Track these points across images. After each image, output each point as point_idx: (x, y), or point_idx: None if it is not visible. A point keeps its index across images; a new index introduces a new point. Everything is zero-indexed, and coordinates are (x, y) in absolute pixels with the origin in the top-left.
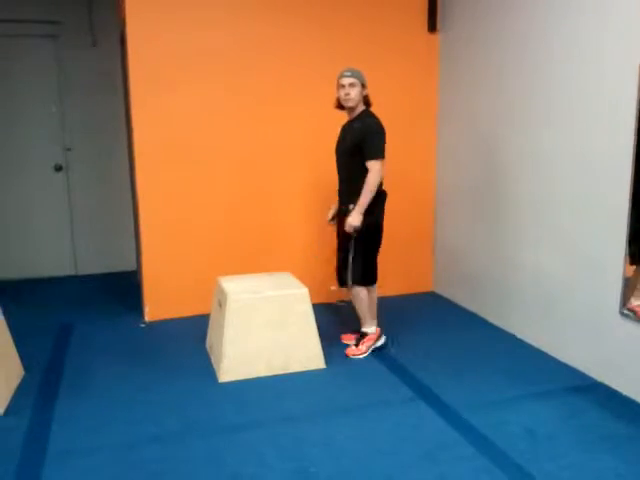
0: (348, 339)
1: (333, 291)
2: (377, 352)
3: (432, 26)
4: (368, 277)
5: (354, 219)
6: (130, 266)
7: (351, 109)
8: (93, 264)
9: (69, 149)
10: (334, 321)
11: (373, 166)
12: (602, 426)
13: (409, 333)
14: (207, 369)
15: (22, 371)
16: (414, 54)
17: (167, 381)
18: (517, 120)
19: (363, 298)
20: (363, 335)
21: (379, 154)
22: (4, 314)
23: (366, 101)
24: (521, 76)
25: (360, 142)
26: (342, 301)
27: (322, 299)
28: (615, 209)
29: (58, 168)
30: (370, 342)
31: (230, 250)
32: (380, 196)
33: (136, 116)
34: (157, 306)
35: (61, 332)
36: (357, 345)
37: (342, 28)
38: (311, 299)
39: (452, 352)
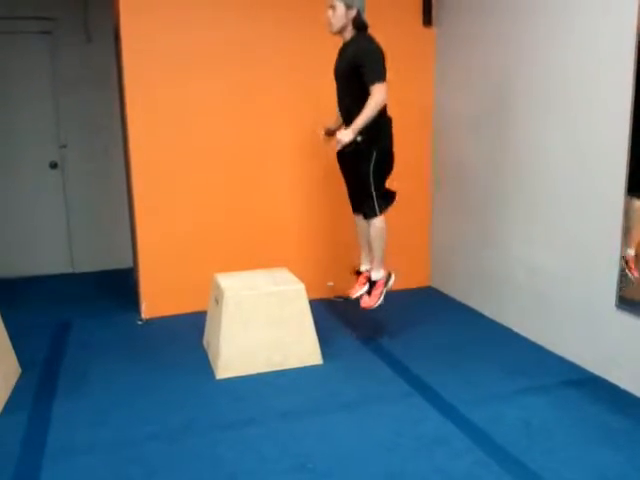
0: (356, 290)
1: (330, 287)
2: (375, 345)
3: (427, 20)
4: (389, 200)
5: (345, 135)
6: (127, 263)
7: (341, 35)
8: (90, 262)
9: (64, 146)
10: (331, 317)
11: (375, 89)
12: (599, 420)
13: (406, 328)
14: (204, 366)
15: (19, 369)
16: (409, 48)
17: (164, 378)
18: (512, 115)
19: (384, 229)
20: (373, 283)
21: (380, 77)
22: (1, 312)
23: (357, 24)
24: (517, 70)
25: (357, 67)
26: (339, 297)
27: (319, 295)
28: (610, 203)
29: (53, 165)
30: (381, 288)
31: (226, 246)
32: (386, 122)
33: (131, 113)
34: (154, 303)
35: (58, 330)
36: (369, 294)
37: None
38: (308, 295)
39: (449, 346)
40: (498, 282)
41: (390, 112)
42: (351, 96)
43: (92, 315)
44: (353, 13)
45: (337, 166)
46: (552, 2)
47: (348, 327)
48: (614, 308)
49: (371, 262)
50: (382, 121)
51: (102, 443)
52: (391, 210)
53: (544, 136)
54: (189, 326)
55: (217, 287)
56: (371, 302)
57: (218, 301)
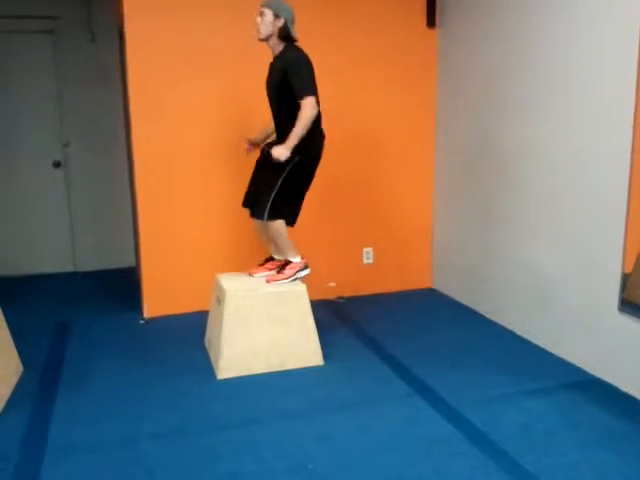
0: (259, 271)
1: (332, 287)
2: (376, 346)
3: (431, 21)
4: (289, 217)
5: (281, 153)
6: (129, 263)
7: (268, 43)
8: (92, 261)
9: (67, 145)
10: (332, 318)
11: (305, 103)
12: (600, 422)
13: (408, 329)
14: (205, 366)
15: (21, 368)
16: (413, 49)
17: (165, 378)
18: (516, 116)
19: (284, 233)
20: (287, 262)
21: (308, 90)
22: (3, 310)
23: (283, 35)
24: (520, 71)
25: (284, 81)
26: (341, 297)
27: (320, 296)
28: (614, 205)
29: (56, 164)
30: (296, 268)
31: (229, 247)
32: (316, 135)
33: (134, 111)
34: (156, 303)
35: (60, 329)
36: (279, 272)
37: (340, 23)
38: (309, 295)
39: (450, 348)
40: (500, 284)
41: (392, 113)
42: (283, 111)
43: (94, 314)
44: (281, 22)
45: (345, 173)
46: (555, 2)
47: (347, 324)
48: (616, 311)
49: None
50: (313, 133)
51: (103, 442)
52: (394, 211)
53: (546, 136)
54: (191, 326)
55: (219, 287)
56: (280, 276)
57: (220, 301)
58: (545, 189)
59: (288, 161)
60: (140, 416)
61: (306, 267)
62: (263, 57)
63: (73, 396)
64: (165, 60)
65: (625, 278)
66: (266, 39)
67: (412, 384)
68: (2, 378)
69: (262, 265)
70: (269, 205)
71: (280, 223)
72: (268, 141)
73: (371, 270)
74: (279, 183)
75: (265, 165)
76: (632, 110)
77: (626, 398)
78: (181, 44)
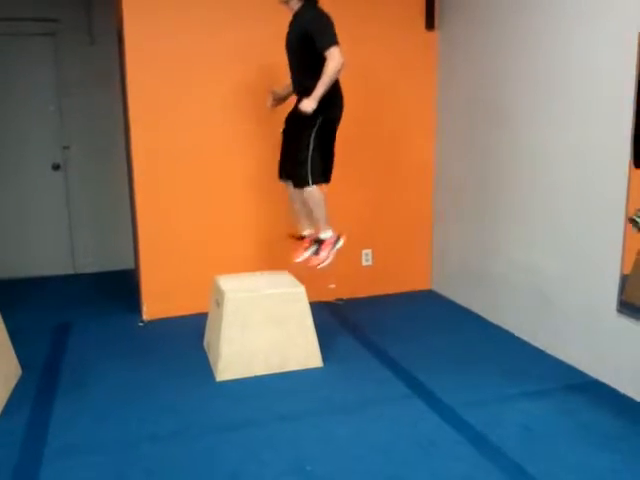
0: (300, 254)
1: (331, 289)
2: (375, 348)
3: (430, 24)
4: (326, 173)
5: (309, 104)
6: (128, 265)
7: (288, 5)
8: (91, 263)
9: (67, 147)
10: (331, 319)
11: (331, 54)
12: (599, 424)
13: (407, 331)
14: (205, 368)
15: (20, 370)
16: (412, 52)
17: (165, 380)
18: (515, 118)
19: (322, 199)
20: (320, 242)
21: (332, 41)
22: (2, 313)
23: None
24: (519, 73)
25: (306, 37)
26: (340, 299)
27: (319, 297)
28: (612, 206)
29: (56, 167)
30: (330, 246)
31: (228, 249)
32: (337, 93)
33: (133, 114)
34: (155, 305)
35: (59, 331)
36: (317, 254)
37: (339, 26)
38: (308, 297)
39: (449, 350)
40: (499, 286)
41: (394, 113)
42: (303, 68)
43: (93, 316)
44: None
45: (344, 175)
46: (554, 2)
47: (346, 326)
48: (615, 312)
49: (315, 228)
50: (333, 91)
51: (102, 444)
52: (394, 213)
53: (545, 138)
54: (190, 328)
55: (218, 289)
56: (320, 259)
57: (219, 303)
58: (544, 191)
59: (313, 122)
60: (139, 418)
61: (339, 239)
62: (264, 58)
63: (72, 398)
64: (164, 63)
65: (624, 279)
66: (287, 1)
67: (411, 385)
68: (1, 380)
69: (299, 243)
70: (309, 170)
71: (319, 191)
72: None
73: (370, 272)
74: (311, 147)
75: (293, 134)
76: (631, 110)
77: (624, 400)
78: (181, 47)
